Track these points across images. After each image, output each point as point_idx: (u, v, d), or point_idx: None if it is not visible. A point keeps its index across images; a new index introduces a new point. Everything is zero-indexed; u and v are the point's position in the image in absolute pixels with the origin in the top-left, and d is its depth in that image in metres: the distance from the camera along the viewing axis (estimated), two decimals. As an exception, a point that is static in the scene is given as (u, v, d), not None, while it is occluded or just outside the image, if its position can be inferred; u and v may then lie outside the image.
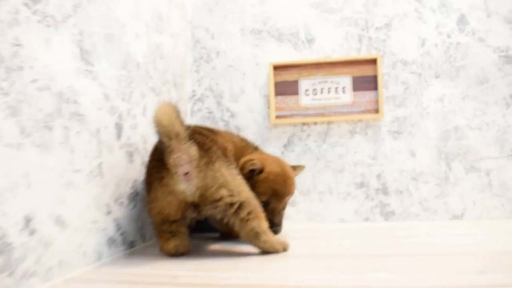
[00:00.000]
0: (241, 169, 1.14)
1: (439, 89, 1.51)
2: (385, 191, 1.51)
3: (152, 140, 1.26)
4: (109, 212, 1.01)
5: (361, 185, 1.52)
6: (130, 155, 1.13)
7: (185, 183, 0.93)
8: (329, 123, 1.55)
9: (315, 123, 1.56)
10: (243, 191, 0.98)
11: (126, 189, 1.10)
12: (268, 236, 0.99)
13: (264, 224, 0.99)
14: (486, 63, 1.49)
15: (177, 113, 0.91)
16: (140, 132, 1.19)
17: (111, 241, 1.01)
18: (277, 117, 1.56)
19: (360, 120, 1.54)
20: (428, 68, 1.52)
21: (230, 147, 1.19)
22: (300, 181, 1.54)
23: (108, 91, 1.02)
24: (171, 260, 0.98)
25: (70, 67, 0.87)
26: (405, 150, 1.51)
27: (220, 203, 0.96)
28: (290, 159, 1.54)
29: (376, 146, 1.52)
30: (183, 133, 0.90)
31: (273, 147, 1.56)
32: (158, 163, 0.97)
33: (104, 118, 1.00)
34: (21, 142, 0.72)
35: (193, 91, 1.65)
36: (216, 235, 1.32)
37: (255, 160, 1.15)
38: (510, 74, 1.48)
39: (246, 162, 1.15)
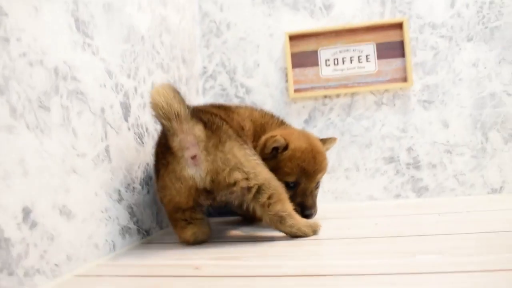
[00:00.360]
0: (263, 148, 1.02)
1: (472, 53, 1.38)
2: (416, 165, 1.40)
3: (163, 120, 1.17)
4: (120, 199, 0.92)
5: (390, 159, 1.41)
6: (140, 136, 1.03)
7: (193, 167, 0.84)
8: (353, 94, 1.44)
9: (337, 96, 1.45)
10: (260, 172, 0.87)
11: (138, 174, 1.01)
12: (295, 219, 0.89)
13: (288, 206, 0.89)
14: (522, 22, 1.36)
15: (174, 92, 0.82)
16: (149, 112, 1.09)
17: (124, 231, 0.93)
18: (296, 90, 1.45)
19: (386, 90, 1.42)
20: (459, 30, 1.39)
21: (248, 125, 1.08)
22: (324, 159, 1.43)
23: (111, 67, 0.92)
24: (192, 248, 0.89)
25: (65, 39, 0.77)
26: (437, 121, 1.40)
27: (235, 188, 0.86)
28: (312, 136, 1.43)
29: (406, 118, 1.41)
30: (184, 113, 0.81)
31: (293, 123, 1.45)
32: (164, 148, 0.88)
33: (109, 96, 0.90)
34: (13, 124, 0.63)
35: (204, 67, 1.54)
36: (239, 218, 1.23)
37: (277, 136, 1.02)
38: (550, 33, 1.34)
39: (267, 139, 1.03)
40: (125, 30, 0.99)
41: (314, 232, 0.91)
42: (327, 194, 1.44)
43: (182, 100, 0.82)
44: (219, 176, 0.85)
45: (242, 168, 0.85)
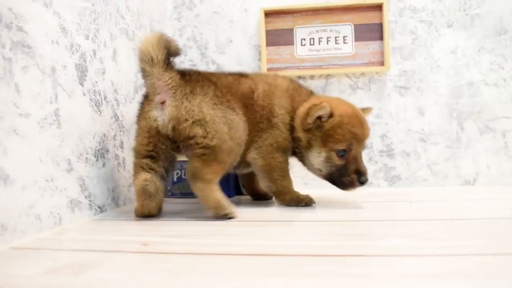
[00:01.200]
0: (305, 118, 0.97)
1: (451, 40, 1.35)
2: (390, 153, 1.36)
3: (125, 90, 1.09)
4: (70, 169, 0.84)
5: (363, 146, 1.36)
6: (97, 104, 0.95)
7: (160, 111, 0.87)
8: (328, 76, 1.38)
9: (312, 77, 1.39)
10: (223, 138, 0.86)
11: (93, 144, 0.93)
12: (208, 189, 0.85)
13: (211, 174, 0.85)
14: (504, 12, 1.33)
15: (159, 39, 0.85)
16: (109, 79, 1.01)
17: (74, 204, 0.85)
18: (269, 69, 1.39)
19: (362, 74, 1.37)
20: (439, 16, 1.35)
21: (261, 87, 1.02)
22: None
23: (66, 24, 0.84)
24: (146, 225, 0.82)
25: (11, -18, 0.69)
26: (412, 108, 1.35)
27: (192, 142, 0.86)
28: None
29: (381, 103, 1.36)
30: (158, 58, 0.84)
31: (264, 104, 1.39)
32: (145, 97, 0.92)
33: (62, 55, 0.82)
34: None
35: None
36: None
37: (322, 103, 0.96)
38: (530, 24, 1.32)
39: (310, 108, 0.97)
40: (85, -13, 0.91)
41: (225, 215, 0.85)
42: (297, 179, 1.38)
43: (163, 48, 0.84)
44: (180, 125, 0.85)
45: (205, 126, 0.86)
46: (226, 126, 0.87)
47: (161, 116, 0.86)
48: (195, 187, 0.86)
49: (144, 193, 0.87)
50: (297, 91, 1.06)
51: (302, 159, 1.04)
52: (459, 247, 0.60)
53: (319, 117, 0.97)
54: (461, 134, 1.34)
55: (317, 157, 0.99)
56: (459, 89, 1.34)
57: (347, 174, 0.97)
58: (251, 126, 0.97)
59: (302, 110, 0.99)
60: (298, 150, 1.03)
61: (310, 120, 0.97)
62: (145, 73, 0.86)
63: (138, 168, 0.90)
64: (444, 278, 0.46)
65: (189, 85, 0.87)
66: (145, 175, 0.88)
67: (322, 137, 0.97)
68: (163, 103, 0.86)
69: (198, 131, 0.85)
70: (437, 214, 0.87)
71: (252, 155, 0.99)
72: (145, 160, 0.89)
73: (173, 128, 0.86)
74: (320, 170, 1.00)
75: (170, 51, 0.86)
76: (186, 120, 0.85)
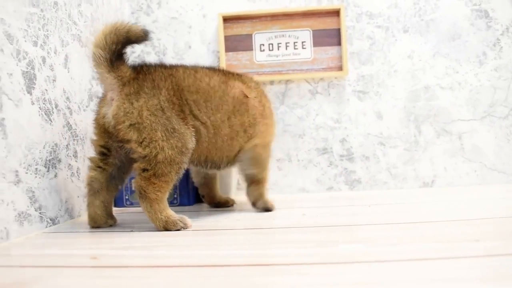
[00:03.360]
0: None
1: (407, 44, 1.37)
2: (350, 157, 1.37)
3: (78, 98, 1.06)
4: (18, 181, 0.80)
5: (324, 151, 1.37)
6: (47, 113, 0.92)
7: (109, 107, 0.86)
8: (287, 82, 1.38)
9: (271, 82, 1.39)
10: (158, 147, 0.83)
11: (43, 154, 0.89)
12: (154, 208, 0.83)
13: (156, 193, 0.83)
14: (458, 17, 1.36)
15: (104, 37, 0.82)
16: (61, 87, 0.98)
17: (22, 217, 0.81)
18: (229, 75, 1.37)
19: (321, 79, 1.38)
20: (396, 21, 1.37)
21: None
22: (256, 149, 1.36)
23: (11, 30, 0.81)
24: (99, 237, 0.80)
25: None
26: (371, 112, 1.37)
27: (128, 146, 0.84)
28: (245, 124, 1.36)
29: (340, 108, 1.37)
30: (102, 57, 0.82)
31: (225, 110, 1.38)
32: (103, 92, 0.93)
33: (7, 63, 0.79)
34: None
35: (131, 47, 1.43)
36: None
37: None
38: (483, 30, 1.35)
39: None
40: (32, -8, 0.88)
41: (165, 228, 0.83)
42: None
43: (109, 44, 0.82)
44: (118, 125, 0.84)
45: (142, 131, 0.83)
46: (165, 135, 0.84)
47: (108, 112, 0.85)
48: (143, 206, 0.84)
49: (90, 189, 0.90)
50: None
51: None
52: (414, 251, 0.60)
53: None
54: (418, 137, 1.36)
55: None
56: (416, 93, 1.36)
57: None
58: (243, 127, 0.98)
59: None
60: None
61: None
62: (96, 73, 0.86)
63: (91, 164, 0.92)
64: (392, 285, 0.45)
65: (136, 85, 0.85)
66: (91, 173, 0.90)
67: None
68: (112, 99, 0.85)
69: (133, 135, 0.83)
70: (394, 217, 0.88)
71: (255, 142, 1.01)
72: (95, 158, 0.91)
73: (114, 126, 0.84)
74: None
75: (119, 43, 0.83)
76: (124, 121, 0.83)
